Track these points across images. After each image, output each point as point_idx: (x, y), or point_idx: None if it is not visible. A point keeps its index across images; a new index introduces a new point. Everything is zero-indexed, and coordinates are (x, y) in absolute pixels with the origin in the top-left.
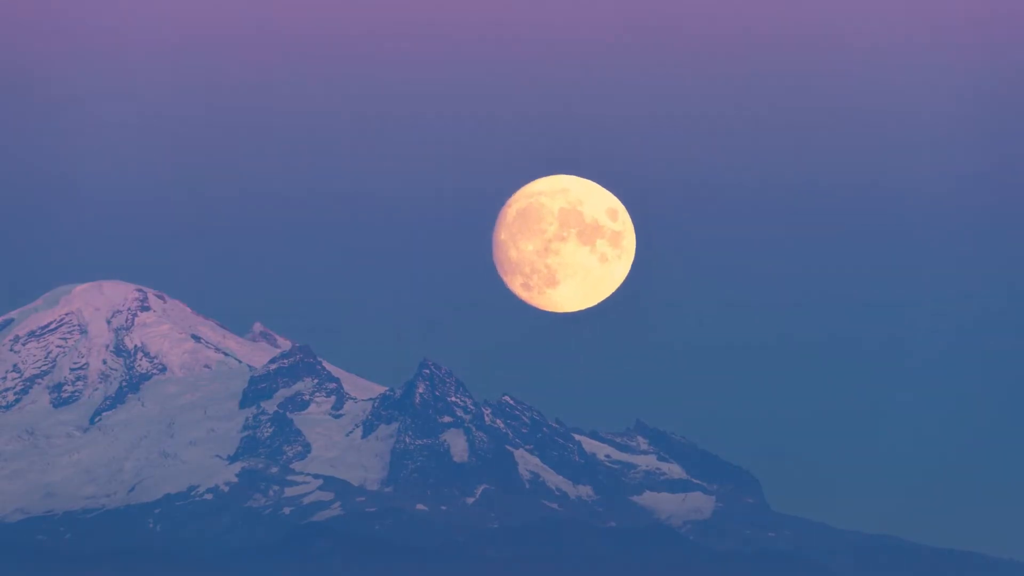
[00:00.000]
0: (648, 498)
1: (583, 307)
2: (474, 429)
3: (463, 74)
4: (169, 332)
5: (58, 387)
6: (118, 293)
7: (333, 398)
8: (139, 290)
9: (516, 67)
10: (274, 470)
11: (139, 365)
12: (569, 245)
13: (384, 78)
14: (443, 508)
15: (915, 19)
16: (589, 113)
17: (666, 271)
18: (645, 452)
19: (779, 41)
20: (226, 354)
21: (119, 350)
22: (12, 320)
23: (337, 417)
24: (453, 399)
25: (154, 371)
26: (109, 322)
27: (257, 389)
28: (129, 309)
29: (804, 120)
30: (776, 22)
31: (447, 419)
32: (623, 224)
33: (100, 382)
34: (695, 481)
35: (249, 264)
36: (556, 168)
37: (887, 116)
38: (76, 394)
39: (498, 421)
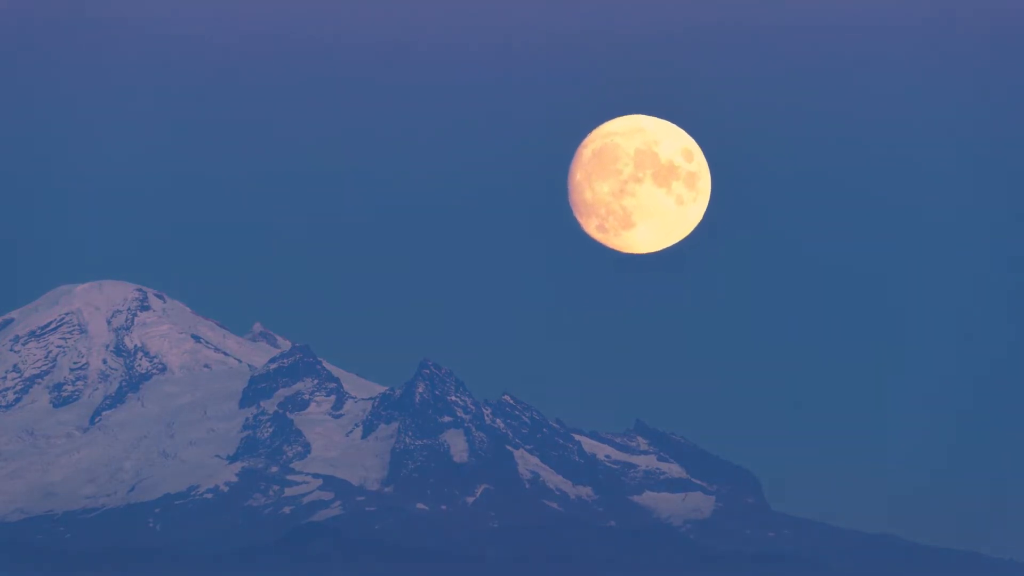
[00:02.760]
0: (648, 498)
1: (658, 249)
2: (474, 429)
3: (534, 15)
4: (169, 332)
5: (58, 387)
6: (118, 293)
7: (333, 398)
8: (139, 290)
9: (591, 7)
10: (274, 470)
11: (139, 365)
12: (645, 186)
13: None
14: (443, 508)
15: None
16: (665, 52)
17: (741, 214)
18: (645, 452)
19: None
20: (226, 354)
21: (119, 350)
22: (12, 320)
23: (337, 417)
24: (453, 399)
25: (154, 371)
26: (109, 322)
27: (257, 389)
28: (129, 309)
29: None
30: None
31: (447, 419)
32: (698, 165)
33: (100, 382)
34: (695, 481)
35: (249, 264)
36: (631, 107)
37: None
38: (76, 394)
39: (498, 421)
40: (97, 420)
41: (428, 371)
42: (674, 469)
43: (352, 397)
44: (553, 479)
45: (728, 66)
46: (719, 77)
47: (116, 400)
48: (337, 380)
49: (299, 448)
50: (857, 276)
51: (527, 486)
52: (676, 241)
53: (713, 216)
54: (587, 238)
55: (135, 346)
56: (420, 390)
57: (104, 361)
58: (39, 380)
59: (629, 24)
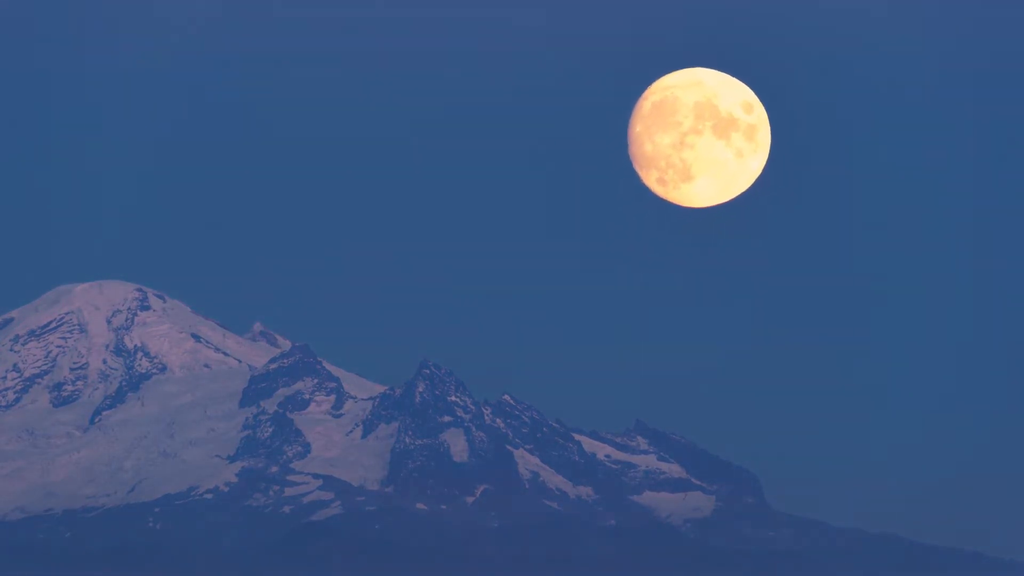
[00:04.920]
0: (648, 498)
1: (718, 202)
2: (474, 429)
3: None
4: (169, 332)
5: (58, 387)
6: (118, 293)
7: (333, 397)
8: (139, 290)
9: None
10: (274, 470)
11: (139, 365)
12: (704, 139)
13: None
14: (443, 508)
15: None
16: (725, 4)
17: (801, 166)
18: (645, 452)
19: None
20: (226, 354)
21: (119, 350)
22: (12, 320)
23: (337, 417)
24: (453, 399)
25: (154, 371)
26: (109, 322)
27: (257, 389)
28: (129, 309)
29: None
30: None
31: (447, 419)
32: (758, 118)
33: (100, 382)
34: (695, 481)
35: (249, 264)
36: (690, 60)
37: None
38: (76, 394)
39: (498, 421)
40: (97, 420)
41: (428, 371)
42: (674, 469)
43: (352, 397)
44: (553, 479)
45: (789, 18)
46: (780, 29)
47: (116, 400)
48: (337, 380)
49: (299, 448)
50: (891, 254)
51: (527, 486)
52: (735, 195)
53: (774, 168)
54: (647, 192)
55: (135, 346)
56: (420, 390)
57: (104, 361)
58: (39, 380)
59: None
